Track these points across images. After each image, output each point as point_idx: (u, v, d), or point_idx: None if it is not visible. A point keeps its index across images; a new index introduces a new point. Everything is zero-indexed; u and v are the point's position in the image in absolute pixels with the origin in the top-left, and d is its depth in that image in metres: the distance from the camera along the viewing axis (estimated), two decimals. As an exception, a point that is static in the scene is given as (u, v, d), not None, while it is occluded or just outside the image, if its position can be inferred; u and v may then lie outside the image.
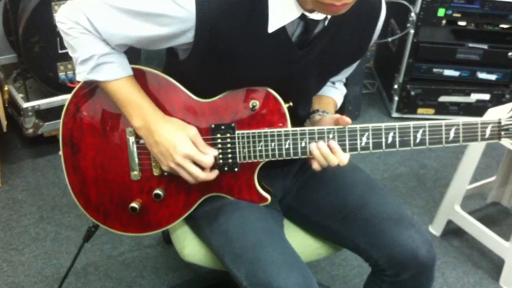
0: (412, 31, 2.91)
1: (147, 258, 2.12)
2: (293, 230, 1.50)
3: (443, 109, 3.09)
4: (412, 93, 3.04)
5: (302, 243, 1.48)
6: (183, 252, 1.44)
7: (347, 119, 1.25)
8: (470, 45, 2.95)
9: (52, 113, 2.49)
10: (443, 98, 3.05)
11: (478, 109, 3.05)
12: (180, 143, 1.24)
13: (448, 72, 3.01)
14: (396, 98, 3.09)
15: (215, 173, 1.30)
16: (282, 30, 1.19)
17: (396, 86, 3.07)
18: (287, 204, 1.49)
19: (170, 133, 1.25)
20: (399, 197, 2.53)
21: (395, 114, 3.13)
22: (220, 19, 1.15)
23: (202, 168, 1.27)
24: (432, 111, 3.10)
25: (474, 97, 3.05)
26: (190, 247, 1.43)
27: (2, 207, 2.32)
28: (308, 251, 1.49)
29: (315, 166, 1.28)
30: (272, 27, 1.14)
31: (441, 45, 2.97)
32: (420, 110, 3.10)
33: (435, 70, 3.00)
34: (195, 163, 1.26)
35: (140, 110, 1.26)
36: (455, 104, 3.08)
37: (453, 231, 2.31)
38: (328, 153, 1.25)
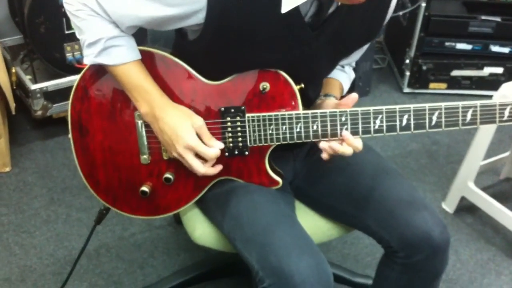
0: (423, 4, 2.85)
1: (158, 239, 2.12)
2: (303, 212, 1.48)
3: (455, 84, 3.04)
4: (424, 67, 2.99)
5: (313, 225, 1.47)
6: (194, 235, 1.43)
7: (349, 100, 1.22)
8: (483, 17, 2.89)
9: (60, 94, 2.47)
10: (455, 73, 3.01)
11: (491, 83, 3.00)
12: (183, 133, 1.22)
13: (460, 46, 2.96)
14: (407, 73, 3.05)
15: (217, 169, 1.29)
16: (295, 10, 1.14)
17: (407, 61, 3.03)
18: (297, 186, 1.47)
19: (174, 122, 1.23)
20: (411, 174, 2.51)
21: (406, 90, 3.09)
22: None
23: (206, 160, 1.25)
24: (444, 86, 3.05)
25: (487, 70, 3.00)
26: (201, 230, 1.42)
27: (13, 190, 2.32)
28: (319, 232, 1.47)
29: (325, 155, 1.26)
30: (285, 7, 1.11)
31: (453, 18, 2.91)
32: (432, 85, 3.05)
33: (447, 44, 2.95)
34: (199, 155, 1.24)
35: (146, 96, 1.24)
36: (468, 78, 3.03)
37: (466, 207, 2.29)
38: (341, 150, 1.23)
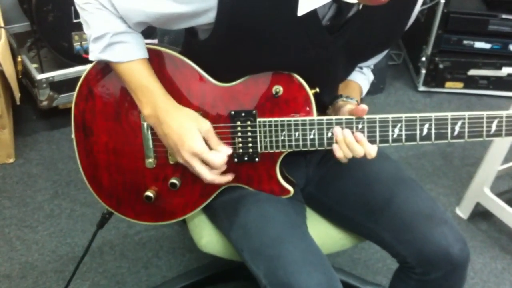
0: (442, 0, 2.76)
1: (164, 238, 2.06)
2: (315, 220, 1.42)
3: (472, 83, 2.96)
4: (441, 66, 2.91)
5: (325, 234, 1.41)
6: (200, 243, 1.38)
7: (362, 107, 1.15)
8: (503, 16, 2.79)
9: (66, 84, 2.42)
10: (472, 72, 2.92)
11: (509, 83, 2.92)
12: (188, 139, 1.15)
13: (479, 45, 2.87)
14: (423, 71, 2.96)
15: (225, 178, 1.23)
16: (312, 13, 1.07)
17: (423, 59, 2.94)
18: (309, 193, 1.41)
19: (179, 126, 1.16)
20: (425, 176, 2.44)
21: (421, 88, 3.01)
22: None
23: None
24: (460, 85, 2.97)
25: (506, 71, 2.90)
26: (208, 237, 1.37)
27: (17, 182, 2.27)
28: (331, 242, 1.42)
29: (339, 154, 1.18)
30: (302, 10, 1.04)
31: (473, 15, 2.82)
32: (448, 84, 2.97)
33: (465, 42, 2.87)
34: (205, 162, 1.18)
35: (150, 97, 1.17)
36: (485, 78, 2.94)
37: (480, 213, 2.22)
38: (352, 141, 1.16)
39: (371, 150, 1.16)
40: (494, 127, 1.14)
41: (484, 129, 1.14)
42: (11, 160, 2.37)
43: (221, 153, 1.18)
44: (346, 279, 1.81)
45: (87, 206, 2.17)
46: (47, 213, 2.13)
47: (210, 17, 1.09)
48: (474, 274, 1.99)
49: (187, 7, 1.09)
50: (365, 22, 1.15)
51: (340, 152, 1.18)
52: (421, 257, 1.23)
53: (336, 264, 1.98)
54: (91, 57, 1.20)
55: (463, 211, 2.23)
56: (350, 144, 1.16)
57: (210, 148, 1.18)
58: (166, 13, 1.12)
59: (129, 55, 1.17)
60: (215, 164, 1.17)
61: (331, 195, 1.37)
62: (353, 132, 1.16)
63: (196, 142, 1.16)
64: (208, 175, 1.19)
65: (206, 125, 1.18)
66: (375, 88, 2.93)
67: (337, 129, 1.17)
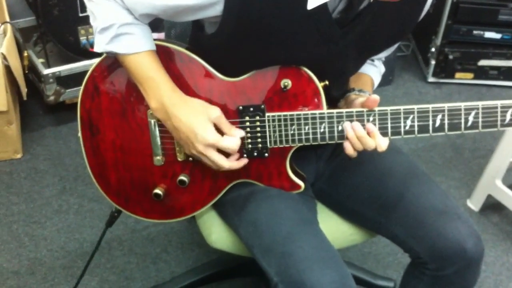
0: (452, -10, 2.73)
1: (172, 233, 2.05)
2: (326, 215, 1.40)
3: (482, 74, 2.93)
4: (450, 56, 2.88)
5: (336, 229, 1.39)
6: (209, 239, 1.36)
7: (373, 98, 1.13)
8: (514, 5, 2.77)
9: (73, 79, 2.40)
10: (482, 62, 2.89)
11: (520, 74, 2.89)
12: (201, 130, 1.13)
13: (489, 35, 2.83)
14: (432, 62, 2.93)
15: (242, 162, 1.20)
16: (323, 6, 1.04)
17: (433, 49, 2.91)
18: (319, 188, 1.39)
19: (189, 118, 1.14)
20: (435, 169, 2.41)
21: (431, 79, 2.98)
22: None
23: (228, 154, 1.17)
24: (471, 75, 2.94)
25: (516, 61, 2.88)
26: (217, 233, 1.35)
27: (24, 178, 2.26)
28: (342, 237, 1.40)
29: (349, 151, 1.16)
30: (312, 3, 1.01)
31: (482, 5, 2.78)
32: (458, 75, 2.94)
33: (475, 32, 2.83)
34: (220, 149, 1.16)
35: (157, 89, 1.15)
36: (495, 68, 2.91)
37: (492, 206, 2.19)
38: (363, 135, 1.13)
39: (382, 143, 1.14)
40: (508, 117, 1.12)
41: (499, 118, 1.12)
42: (19, 156, 2.35)
43: (235, 137, 1.16)
44: (357, 273, 1.79)
45: (95, 201, 2.15)
46: (55, 209, 2.12)
47: (217, 10, 1.07)
48: (486, 267, 1.97)
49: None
50: (377, 15, 1.13)
51: (350, 147, 1.16)
52: (435, 252, 1.21)
53: (346, 258, 1.96)
54: (97, 48, 1.18)
55: (474, 204, 2.21)
56: (361, 137, 1.14)
57: (222, 134, 1.16)
58: (173, 5, 1.10)
59: (136, 47, 1.15)
60: (231, 149, 1.16)
61: (342, 190, 1.35)
62: (363, 125, 1.14)
63: (209, 133, 1.14)
64: (226, 163, 1.17)
65: (216, 111, 1.16)
66: (384, 80, 2.86)
67: (346, 125, 1.15)
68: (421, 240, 1.22)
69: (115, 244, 1.99)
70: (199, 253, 1.98)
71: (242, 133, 1.18)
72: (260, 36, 1.09)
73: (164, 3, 1.10)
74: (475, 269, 1.23)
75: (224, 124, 1.17)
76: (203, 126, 1.14)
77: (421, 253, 1.23)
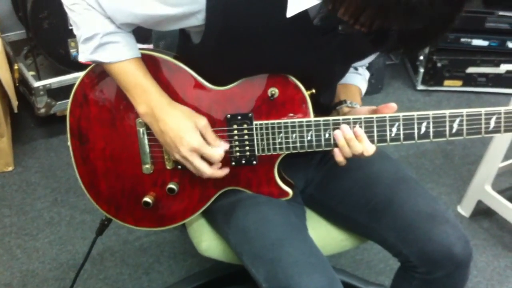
0: (439, -2, 2.75)
1: (165, 243, 2.05)
2: (316, 221, 1.41)
3: (471, 81, 2.95)
4: (439, 64, 2.90)
5: (326, 235, 1.40)
6: (200, 247, 1.37)
7: (392, 106, 1.14)
8: (500, 13, 2.80)
9: (64, 91, 2.41)
10: (471, 69, 2.92)
11: (508, 80, 2.91)
12: (187, 135, 1.15)
13: (477, 42, 2.87)
14: (421, 70, 2.96)
15: (225, 171, 1.21)
16: (303, 14, 1.05)
17: (421, 57, 2.94)
18: (309, 194, 1.40)
19: (176, 122, 1.15)
20: (426, 175, 2.43)
21: (420, 87, 3.00)
22: (233, 1, 1.04)
23: (211, 163, 1.18)
24: (459, 83, 2.96)
25: (504, 67, 2.90)
26: (208, 241, 1.36)
27: (16, 190, 2.26)
28: (332, 243, 1.40)
29: (339, 157, 1.18)
30: (291, 11, 1.03)
31: (469, 13, 2.80)
32: (446, 82, 2.97)
33: (462, 40, 2.86)
34: (203, 157, 1.17)
35: (144, 95, 1.16)
36: (484, 75, 2.94)
37: (482, 211, 2.21)
38: (352, 137, 1.15)
39: (369, 147, 1.15)
40: (492, 124, 1.13)
41: (483, 125, 1.13)
42: (10, 168, 2.36)
43: (219, 147, 1.18)
44: (349, 280, 1.79)
45: (86, 213, 2.16)
46: (46, 221, 2.12)
47: (199, 19, 1.08)
48: (477, 272, 1.98)
49: (175, 9, 1.07)
50: None
51: (340, 154, 1.17)
52: (424, 256, 1.22)
53: (339, 265, 1.97)
54: (81, 58, 1.18)
55: (464, 210, 2.22)
56: (350, 140, 1.15)
57: (207, 144, 1.17)
58: (153, 15, 1.10)
59: (120, 55, 1.16)
60: (214, 158, 1.17)
61: (332, 196, 1.36)
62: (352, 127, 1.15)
63: (194, 138, 1.15)
64: (208, 170, 1.18)
65: (203, 120, 1.17)
66: (373, 88, 2.93)
67: (337, 133, 1.16)
68: (410, 244, 1.23)
69: (107, 255, 1.99)
70: (192, 263, 1.98)
71: (226, 146, 1.19)
72: (244, 45, 1.10)
73: (144, 13, 1.11)
74: (464, 272, 1.24)
75: (210, 134, 1.18)
76: (189, 131, 1.15)
77: (411, 257, 1.24)
